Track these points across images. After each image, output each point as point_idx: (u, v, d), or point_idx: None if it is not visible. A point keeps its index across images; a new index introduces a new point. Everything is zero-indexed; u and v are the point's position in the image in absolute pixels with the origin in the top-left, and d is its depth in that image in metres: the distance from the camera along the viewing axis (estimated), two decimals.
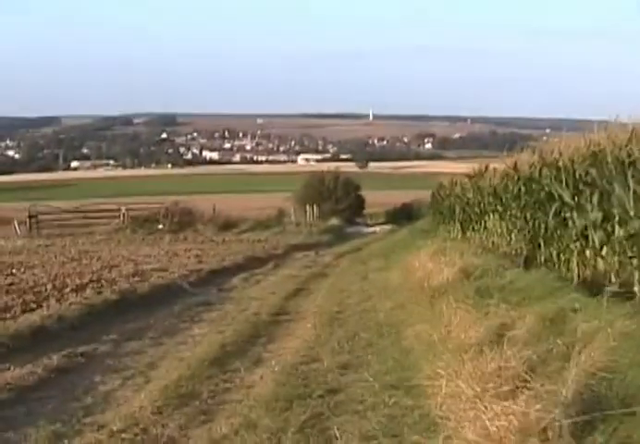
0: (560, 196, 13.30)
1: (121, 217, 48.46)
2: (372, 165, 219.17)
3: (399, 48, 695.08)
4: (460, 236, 26.18)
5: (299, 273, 25.15)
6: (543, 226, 14.86)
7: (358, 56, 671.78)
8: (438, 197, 34.05)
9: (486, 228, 20.88)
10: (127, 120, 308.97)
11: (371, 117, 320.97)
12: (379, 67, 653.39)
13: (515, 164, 17.73)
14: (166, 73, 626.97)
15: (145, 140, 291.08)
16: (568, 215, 13.02)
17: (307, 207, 58.62)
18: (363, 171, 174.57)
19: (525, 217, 16.15)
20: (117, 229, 46.27)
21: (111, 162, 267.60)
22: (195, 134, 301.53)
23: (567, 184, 13.00)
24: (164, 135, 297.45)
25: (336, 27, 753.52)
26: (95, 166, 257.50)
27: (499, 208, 18.88)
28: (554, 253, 14.11)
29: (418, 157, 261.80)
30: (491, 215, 20.09)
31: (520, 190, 16.74)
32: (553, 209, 13.75)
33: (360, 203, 77.40)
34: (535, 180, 15.49)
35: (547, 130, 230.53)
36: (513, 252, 17.27)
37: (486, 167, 21.80)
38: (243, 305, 17.09)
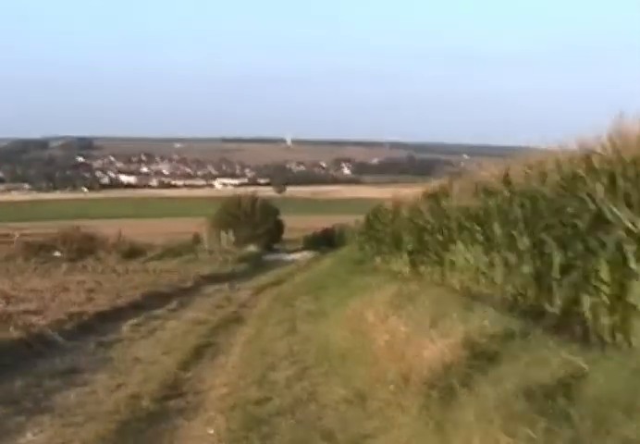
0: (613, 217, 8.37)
1: (14, 244, 42.80)
2: (290, 189, 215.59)
3: (316, 72, 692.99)
4: (408, 270, 21.21)
5: (207, 317, 19.96)
6: (559, 259, 9.98)
7: (276, 81, 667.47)
8: (375, 222, 29.04)
9: (452, 261, 15.78)
10: (43, 143, 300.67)
11: (289, 142, 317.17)
12: (297, 92, 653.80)
13: (506, 174, 12.51)
14: (84, 96, 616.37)
15: (61, 163, 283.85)
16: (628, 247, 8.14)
17: (222, 233, 53.31)
18: (281, 196, 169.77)
19: (533, 247, 11.09)
20: (8, 257, 40.57)
21: (26, 185, 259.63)
22: (112, 158, 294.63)
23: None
24: (80, 159, 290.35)
25: (252, 50, 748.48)
26: (9, 190, 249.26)
27: (479, 236, 13.72)
28: (585, 303, 9.11)
29: (336, 182, 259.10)
30: (461, 245, 14.99)
31: (519, 209, 11.65)
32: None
33: (279, 228, 72.37)
34: (544, 196, 10.59)
35: (465, 156, 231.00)
36: (504, 296, 12.18)
37: (451, 183, 16.77)
38: (121, 377, 11.87)
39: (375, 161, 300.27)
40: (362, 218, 57.41)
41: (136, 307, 22.19)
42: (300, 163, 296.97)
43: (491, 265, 13.43)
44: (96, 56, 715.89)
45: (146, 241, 47.46)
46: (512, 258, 12.32)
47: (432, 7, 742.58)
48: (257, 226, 65.59)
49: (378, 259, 28.69)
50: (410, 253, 21.35)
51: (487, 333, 8.48)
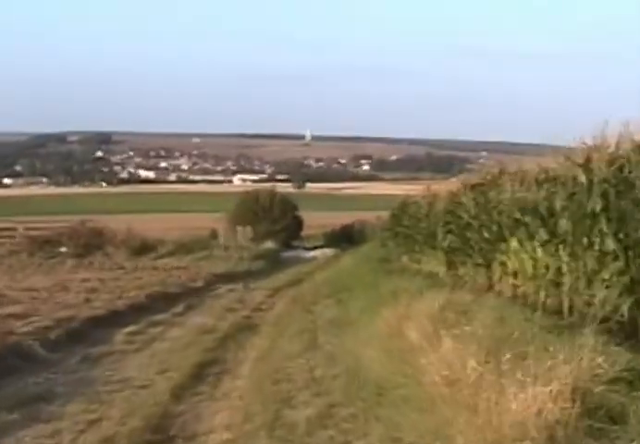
0: None
1: (17, 238, 40.32)
2: (308, 185, 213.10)
3: (337, 69, 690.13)
4: (443, 271, 18.63)
5: (216, 323, 17.43)
6: None
7: (296, 78, 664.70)
8: (402, 217, 26.43)
9: (503, 263, 13.13)
10: (61, 138, 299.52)
11: (308, 138, 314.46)
12: (317, 89, 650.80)
13: (587, 159, 9.85)
14: (103, 91, 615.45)
15: (79, 158, 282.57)
16: None
17: (239, 228, 50.69)
18: (300, 192, 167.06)
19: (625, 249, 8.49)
20: (11, 252, 38.14)
21: (44, 180, 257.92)
22: (131, 153, 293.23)
23: None
24: (99, 153, 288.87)
25: (271, 47, 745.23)
26: (28, 184, 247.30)
27: (541, 233, 11.03)
28: None
29: (355, 179, 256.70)
30: (515, 243, 12.30)
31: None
32: None
33: (297, 224, 69.44)
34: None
35: (484, 153, 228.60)
36: (582, 311, 9.45)
37: (502, 172, 14.08)
38: (98, 408, 9.31)
39: (393, 158, 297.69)
40: (384, 214, 55.17)
41: (138, 310, 19.77)
42: (318, 159, 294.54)
43: (558, 270, 10.83)
44: (117, 53, 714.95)
45: (160, 237, 44.80)
46: (591, 261, 9.72)
47: (452, 6, 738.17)
48: (275, 221, 62.84)
49: (405, 258, 26.14)
50: (446, 252, 18.76)
51: (603, 375, 5.75)
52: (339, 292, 20.81)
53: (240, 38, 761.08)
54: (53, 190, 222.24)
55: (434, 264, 20.18)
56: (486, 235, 14.40)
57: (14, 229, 41.51)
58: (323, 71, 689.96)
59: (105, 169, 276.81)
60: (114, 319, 17.82)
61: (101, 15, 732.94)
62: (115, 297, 21.62)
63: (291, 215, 66.81)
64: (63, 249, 39.04)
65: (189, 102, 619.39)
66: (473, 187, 15.93)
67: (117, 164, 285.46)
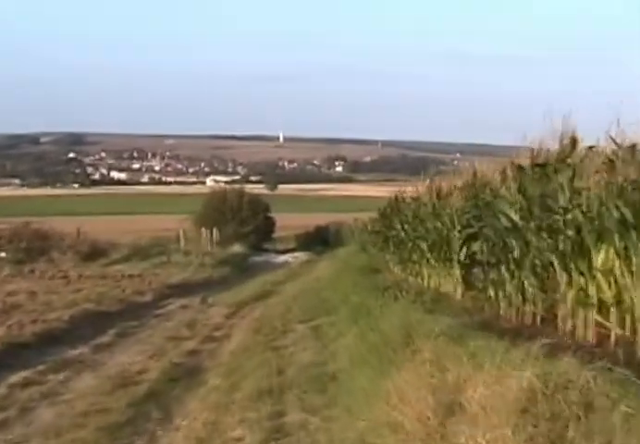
0: None
1: None
2: (282, 187, 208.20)
3: (309, 70, 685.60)
4: (460, 292, 13.64)
5: (146, 364, 12.58)
6: None
7: (269, 78, 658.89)
8: (395, 218, 21.42)
9: (582, 289, 8.08)
10: (33, 139, 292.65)
11: (281, 140, 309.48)
12: (290, 90, 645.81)
13: None
14: (75, 91, 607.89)
15: (52, 159, 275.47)
16: None
17: (203, 231, 45.39)
18: (273, 193, 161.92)
19: None
20: None
21: (16, 181, 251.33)
22: (103, 154, 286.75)
23: None
24: (71, 154, 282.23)
25: (246, 47, 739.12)
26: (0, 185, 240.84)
27: None
28: None
29: (329, 180, 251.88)
30: (603, 256, 7.38)
31: None
32: None
33: (269, 225, 64.10)
34: None
35: (458, 155, 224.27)
36: None
37: (574, 144, 8.99)
38: None
39: (367, 159, 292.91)
40: (361, 215, 50.29)
41: (49, 341, 14.88)
42: (292, 160, 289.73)
43: None
44: (89, 54, 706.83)
45: (116, 240, 39.60)
46: None
47: (428, 8, 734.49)
48: (244, 222, 57.51)
49: (398, 268, 21.13)
50: (463, 265, 13.78)
51: None
52: (317, 316, 15.86)
53: (213, 38, 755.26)
54: (23, 191, 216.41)
55: (444, 280, 15.17)
56: (546, 242, 9.29)
57: None
58: (297, 71, 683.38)
59: (78, 170, 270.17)
60: (10, 356, 12.90)
61: (74, 14, 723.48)
62: (31, 319, 16.73)
63: (262, 215, 61.54)
64: (1, 254, 33.89)
65: (162, 103, 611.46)
66: (520, 169, 10.68)
67: (90, 165, 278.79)
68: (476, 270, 13.23)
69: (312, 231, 71.70)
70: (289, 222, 73.24)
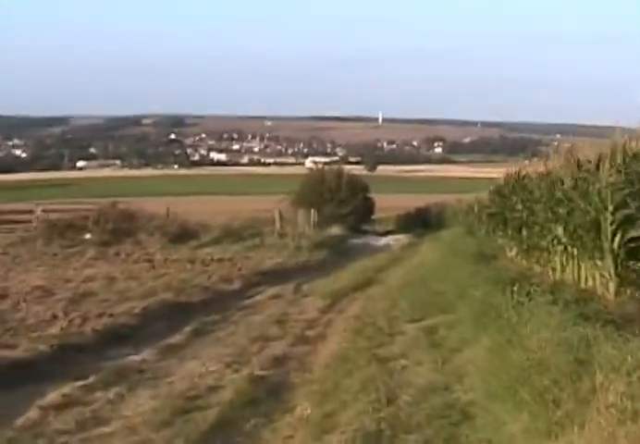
0: None
1: (34, 222, 33.11)
2: (380, 168, 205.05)
3: (409, 52, 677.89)
4: (612, 290, 10.80)
5: (220, 377, 10.01)
6: None
7: (368, 60, 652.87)
8: (515, 198, 18.47)
9: None
10: (135, 121, 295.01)
11: (380, 121, 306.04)
12: (389, 71, 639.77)
13: None
14: (176, 74, 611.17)
15: (153, 140, 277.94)
16: None
17: (300, 212, 42.75)
18: (371, 174, 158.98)
19: None
20: (25, 240, 30.97)
21: (117, 162, 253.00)
22: (203, 135, 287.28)
23: None
24: (172, 136, 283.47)
25: (347, 30, 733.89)
26: (102, 166, 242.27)
27: None
28: None
29: (428, 161, 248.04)
30: None
31: None
32: None
33: (368, 206, 61.23)
34: None
35: (557, 136, 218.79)
36: None
37: None
38: None
39: (467, 140, 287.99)
40: (465, 197, 47.16)
41: (112, 340, 12.67)
42: (391, 142, 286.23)
43: None
44: (191, 36, 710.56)
45: (210, 221, 37.12)
46: None
47: None
48: (343, 203, 54.86)
49: (517, 255, 18.27)
50: (617, 256, 10.90)
51: None
52: (429, 313, 13.10)
53: (312, 21, 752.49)
54: (125, 172, 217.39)
55: (587, 272, 12.28)
56: None
57: (31, 212, 34.26)
58: (396, 54, 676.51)
59: (178, 152, 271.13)
60: (54, 364, 10.54)
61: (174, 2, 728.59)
62: (96, 313, 14.42)
63: (361, 196, 58.71)
64: (87, 236, 31.84)
65: (261, 85, 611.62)
66: None
67: (190, 146, 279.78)
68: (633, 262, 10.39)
69: (412, 213, 68.95)
70: (387, 203, 70.54)
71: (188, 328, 13.70)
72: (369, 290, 19.21)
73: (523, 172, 19.85)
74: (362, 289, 19.64)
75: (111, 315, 14.21)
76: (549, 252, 14.86)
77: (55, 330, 12.56)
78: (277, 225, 38.25)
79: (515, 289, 11.44)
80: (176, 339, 12.82)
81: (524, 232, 17.58)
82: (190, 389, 9.20)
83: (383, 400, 7.76)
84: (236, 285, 20.39)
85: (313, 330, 13.70)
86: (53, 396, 8.83)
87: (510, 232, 19.61)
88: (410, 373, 9.14)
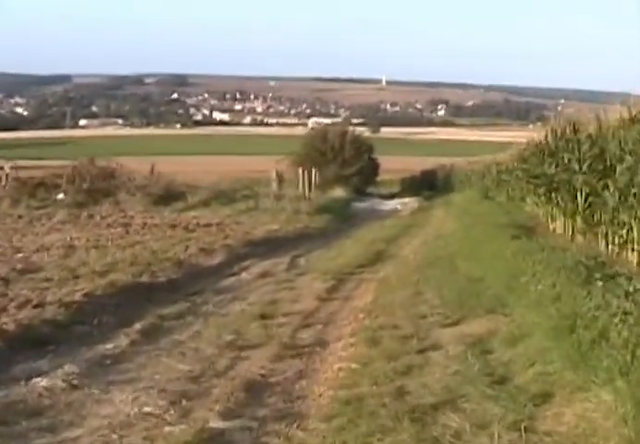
0: None
1: (3, 181, 29.20)
2: (384, 130, 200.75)
3: (411, 14, 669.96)
4: None
5: (155, 427, 6.05)
6: None
7: (372, 22, 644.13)
8: (570, 155, 14.52)
9: None
10: (137, 80, 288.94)
11: (384, 83, 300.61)
12: (393, 33, 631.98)
13: None
14: (179, 33, 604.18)
15: (156, 100, 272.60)
16: None
17: (300, 172, 38.72)
18: (375, 136, 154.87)
19: None
20: None
21: (119, 121, 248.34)
22: (206, 95, 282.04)
23: None
24: (174, 95, 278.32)
25: None
26: (103, 125, 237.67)
27: None
28: None
29: (431, 124, 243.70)
30: None
31: None
32: None
33: (373, 167, 57.17)
34: None
35: (562, 101, 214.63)
36: None
37: None
38: None
39: (470, 103, 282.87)
40: (473, 159, 43.47)
41: (27, 346, 8.81)
42: (394, 104, 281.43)
43: None
44: None
45: (200, 181, 33.23)
46: None
47: None
48: (347, 164, 50.87)
49: (570, 229, 14.35)
50: None
51: None
52: (471, 313, 9.25)
53: None
54: (127, 131, 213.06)
55: None
56: None
57: (1, 169, 30.28)
58: (399, 17, 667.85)
59: (181, 111, 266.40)
60: None
61: None
62: (20, 302, 10.73)
63: (366, 157, 54.66)
64: (60, 196, 28.02)
65: (265, 45, 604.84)
66: None
67: (193, 106, 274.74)
68: None
69: (418, 175, 65.52)
70: (392, 165, 66.82)
71: (137, 326, 9.86)
72: (381, 269, 15.30)
73: (574, 126, 15.88)
74: (371, 266, 15.76)
75: (38, 306, 10.40)
76: (630, 229, 10.90)
77: None
78: (274, 186, 34.25)
79: (600, 283, 7.59)
80: (114, 344, 8.97)
81: (581, 200, 13.67)
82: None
83: None
84: (218, 258, 16.61)
85: (307, 331, 9.83)
86: None
87: (558, 200, 15.62)
88: (465, 439, 5.27)
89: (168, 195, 28.96)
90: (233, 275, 14.98)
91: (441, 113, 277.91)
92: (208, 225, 22.89)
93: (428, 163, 69.07)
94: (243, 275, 14.97)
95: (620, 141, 11.64)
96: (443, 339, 8.39)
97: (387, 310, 10.43)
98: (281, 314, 10.87)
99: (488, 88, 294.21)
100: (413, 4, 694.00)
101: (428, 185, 57.71)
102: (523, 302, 8.73)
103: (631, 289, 7.55)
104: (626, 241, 11.09)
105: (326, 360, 8.36)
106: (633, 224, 10.62)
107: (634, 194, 10.53)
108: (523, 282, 9.55)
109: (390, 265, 15.64)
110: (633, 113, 11.04)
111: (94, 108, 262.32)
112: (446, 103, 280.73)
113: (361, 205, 38.22)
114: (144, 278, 13.22)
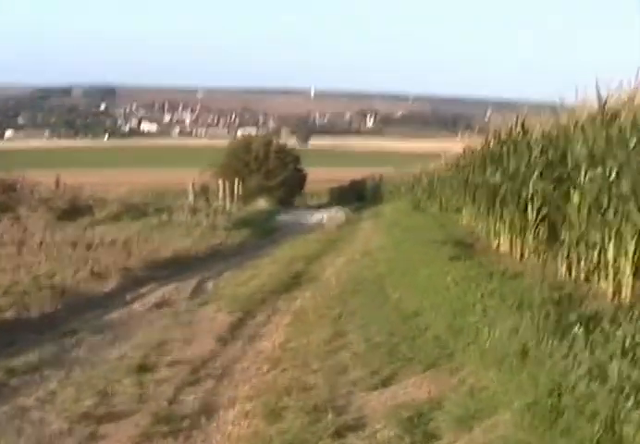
0: None
1: None
2: (313, 142, 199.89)
3: (340, 25, 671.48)
4: None
5: None
6: None
7: (299, 33, 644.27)
8: (498, 163, 12.41)
9: None
10: (65, 91, 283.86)
11: (312, 93, 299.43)
12: (321, 44, 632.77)
13: None
14: (107, 44, 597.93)
15: (83, 111, 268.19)
16: None
17: (220, 183, 36.29)
18: (304, 148, 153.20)
19: None
20: None
21: (46, 133, 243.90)
22: (135, 106, 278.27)
23: None
24: (102, 107, 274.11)
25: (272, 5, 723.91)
26: (29, 137, 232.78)
27: None
28: None
29: (360, 134, 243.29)
30: None
31: None
32: None
33: (299, 178, 55.13)
34: None
35: (489, 111, 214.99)
36: None
37: None
38: None
39: (398, 114, 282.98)
40: (400, 170, 41.69)
41: None
42: (323, 114, 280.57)
43: None
44: (123, 6, 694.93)
45: (110, 195, 30.66)
46: None
47: None
48: (271, 175, 48.78)
49: (520, 248, 12.19)
50: None
51: None
52: (405, 366, 6.99)
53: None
54: (52, 143, 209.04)
55: None
56: None
57: None
58: (329, 26, 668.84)
59: (108, 122, 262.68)
60: None
61: None
62: None
63: (292, 167, 52.60)
64: None
65: (193, 56, 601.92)
66: None
67: (121, 117, 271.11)
68: None
69: (346, 186, 63.91)
70: (320, 176, 65.09)
71: None
72: (299, 295, 12.95)
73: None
74: (287, 293, 13.40)
75: None
76: (603, 251, 8.67)
77: None
78: (191, 198, 31.80)
79: (581, 330, 5.43)
80: None
81: (532, 213, 11.51)
82: None
83: None
84: (111, 284, 14.22)
85: (195, 391, 7.47)
86: None
87: (502, 212, 13.44)
88: None
89: (74, 209, 26.36)
90: (125, 305, 12.58)
91: (370, 124, 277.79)
92: (113, 242, 20.37)
93: (356, 173, 67.66)
94: (136, 305, 12.58)
95: (588, 143, 9.40)
96: (368, 411, 6.09)
97: (298, 359, 8.11)
98: (166, 363, 8.53)
99: (416, 98, 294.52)
100: (341, 15, 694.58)
101: (357, 196, 56.49)
102: (475, 353, 6.51)
103: (627, 342, 5.36)
104: (597, 266, 8.88)
105: (208, 440, 6.04)
106: (608, 245, 8.40)
107: (609, 209, 8.32)
108: (472, 322, 7.35)
109: (309, 290, 13.27)
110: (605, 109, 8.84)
111: (20, 120, 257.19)
112: (375, 113, 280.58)
113: (285, 218, 35.86)
114: (10, 314, 10.81)
